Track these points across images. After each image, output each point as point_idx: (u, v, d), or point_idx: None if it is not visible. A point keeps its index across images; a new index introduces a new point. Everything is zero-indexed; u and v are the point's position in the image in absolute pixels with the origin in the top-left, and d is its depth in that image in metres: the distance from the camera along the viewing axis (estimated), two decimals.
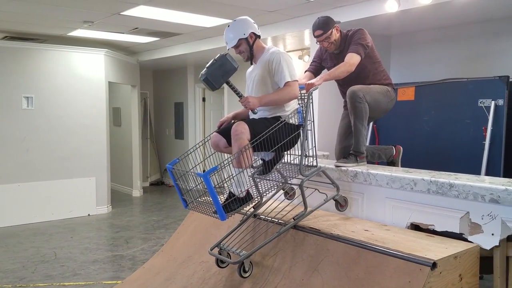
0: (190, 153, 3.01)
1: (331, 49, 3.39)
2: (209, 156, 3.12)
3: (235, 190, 2.77)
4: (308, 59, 6.56)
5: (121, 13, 5.25)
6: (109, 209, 7.42)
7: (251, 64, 3.05)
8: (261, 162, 3.05)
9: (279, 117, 2.90)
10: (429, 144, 4.61)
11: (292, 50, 7.01)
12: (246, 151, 2.69)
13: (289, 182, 3.06)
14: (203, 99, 9.59)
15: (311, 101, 2.92)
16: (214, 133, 3.03)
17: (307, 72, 3.54)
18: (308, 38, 5.99)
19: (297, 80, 2.89)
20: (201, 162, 3.16)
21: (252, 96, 2.83)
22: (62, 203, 6.86)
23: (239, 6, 4.89)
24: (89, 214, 7.10)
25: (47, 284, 4.22)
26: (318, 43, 3.40)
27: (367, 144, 4.99)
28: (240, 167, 2.71)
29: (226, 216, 2.63)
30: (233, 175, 2.75)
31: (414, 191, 2.82)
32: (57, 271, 4.59)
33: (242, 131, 2.72)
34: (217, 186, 2.82)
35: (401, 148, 3.72)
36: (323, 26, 3.31)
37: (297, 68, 6.84)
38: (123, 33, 6.53)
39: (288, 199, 3.40)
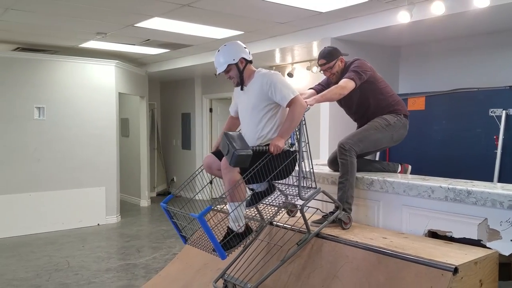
0: (185, 185, 2.96)
1: (333, 80, 3.39)
2: (210, 182, 3.08)
3: (233, 225, 2.69)
4: (316, 70, 6.64)
5: (135, 25, 5.34)
6: (119, 219, 7.45)
7: (241, 89, 2.95)
8: (250, 192, 2.92)
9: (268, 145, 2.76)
10: (440, 154, 4.66)
11: (300, 61, 7.09)
12: (240, 185, 2.63)
13: (292, 202, 3.01)
14: (210, 110, 9.67)
15: (304, 122, 2.85)
16: (209, 154, 2.98)
17: (311, 90, 3.53)
18: (316, 50, 6.07)
19: (298, 94, 2.82)
20: (200, 191, 3.04)
21: (273, 141, 2.72)
22: (72, 212, 6.89)
23: (252, 17, 4.97)
24: (98, 224, 7.13)
25: None
26: (321, 71, 3.44)
27: (377, 155, 5.05)
28: (235, 201, 2.66)
29: (226, 254, 2.57)
30: (229, 212, 2.68)
31: (431, 198, 2.85)
32: (71, 279, 4.61)
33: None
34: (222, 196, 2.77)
35: (410, 166, 3.61)
36: (327, 55, 3.33)
37: (305, 78, 6.96)
38: (134, 44, 6.62)
39: (292, 217, 3.33)
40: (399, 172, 3.58)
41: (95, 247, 5.84)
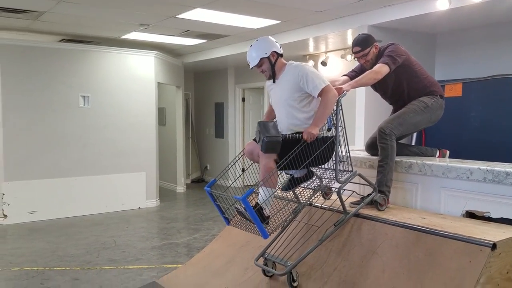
0: (227, 171, 3.06)
1: (368, 67, 3.45)
2: (248, 168, 3.22)
3: (266, 210, 2.81)
4: (350, 58, 6.70)
5: (177, 16, 5.55)
6: (158, 203, 7.79)
7: (273, 82, 3.06)
8: (288, 176, 3.03)
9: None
10: (477, 140, 4.68)
11: (334, 49, 7.15)
12: (274, 174, 2.76)
13: (328, 185, 3.13)
14: (243, 99, 9.85)
15: (340, 108, 2.94)
16: (250, 141, 3.06)
17: (345, 77, 3.60)
18: (351, 38, 6.12)
19: (329, 83, 2.92)
20: (240, 175, 3.24)
21: (307, 129, 2.81)
22: (115, 196, 7.27)
23: (289, 7, 5.08)
24: (139, 207, 7.49)
25: (113, 267, 4.55)
26: (355, 58, 3.52)
27: (413, 140, 5.11)
28: (265, 186, 2.79)
29: (268, 234, 2.70)
30: (267, 196, 2.80)
31: (470, 180, 2.93)
32: (119, 256, 4.92)
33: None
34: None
35: (448, 152, 3.67)
36: (361, 43, 3.39)
37: (338, 66, 7.03)
38: (173, 35, 6.85)
39: (328, 199, 3.45)
40: (437, 157, 3.66)
41: (138, 228, 6.16)
